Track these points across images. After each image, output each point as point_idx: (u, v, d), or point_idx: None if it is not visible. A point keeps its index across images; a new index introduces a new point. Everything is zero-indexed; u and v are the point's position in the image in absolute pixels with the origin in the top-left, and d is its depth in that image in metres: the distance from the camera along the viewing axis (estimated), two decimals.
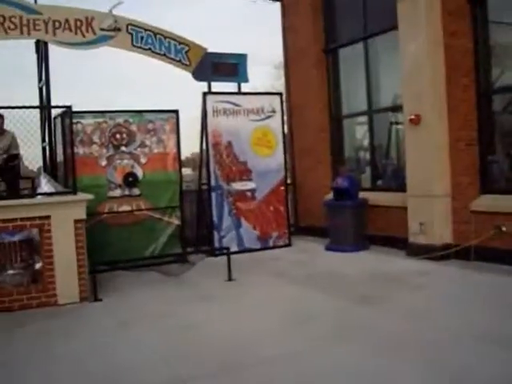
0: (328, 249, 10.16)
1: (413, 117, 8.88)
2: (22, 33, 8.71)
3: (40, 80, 9.45)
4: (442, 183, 8.76)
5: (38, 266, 7.31)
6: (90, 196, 7.64)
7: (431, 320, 5.74)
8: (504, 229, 7.87)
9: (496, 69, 8.56)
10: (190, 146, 16.12)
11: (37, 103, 9.31)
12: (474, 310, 6.01)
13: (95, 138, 9.37)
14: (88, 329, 6.10)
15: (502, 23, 8.55)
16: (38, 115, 8.99)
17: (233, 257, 8.48)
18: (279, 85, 23.51)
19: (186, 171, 17.75)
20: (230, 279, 8.11)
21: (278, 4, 12.72)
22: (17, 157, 8.34)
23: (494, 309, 5.99)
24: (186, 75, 10.27)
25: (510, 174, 8.46)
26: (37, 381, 4.66)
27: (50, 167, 9.22)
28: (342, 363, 4.65)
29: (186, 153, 21.83)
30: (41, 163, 9.40)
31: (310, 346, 5.13)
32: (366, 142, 11.38)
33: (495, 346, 4.81)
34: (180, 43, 10.01)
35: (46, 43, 9.06)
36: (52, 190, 7.77)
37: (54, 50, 9.16)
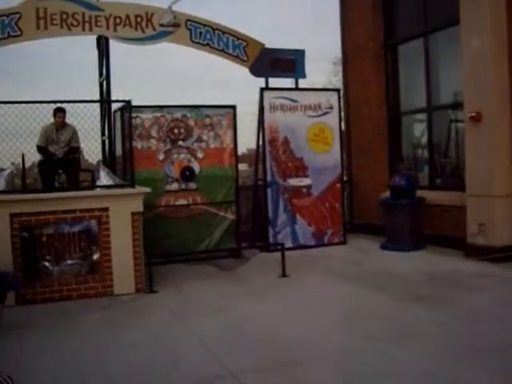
0: (383, 247, 10.03)
1: (474, 114, 8.66)
2: (84, 29, 8.94)
3: (101, 75, 9.66)
4: (502, 183, 8.53)
5: (95, 256, 7.49)
6: (147, 189, 7.76)
7: (490, 324, 5.59)
8: None
9: None
10: (247, 141, 16.20)
11: (97, 98, 9.52)
12: None
13: (153, 133, 9.49)
14: (143, 320, 6.20)
15: None
16: (98, 109, 9.19)
17: (287, 253, 8.47)
18: (336, 81, 23.40)
19: (243, 167, 17.85)
20: (284, 275, 8.10)
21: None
22: (77, 150, 8.55)
23: None
24: (244, 71, 10.31)
25: None
26: (99, 366, 4.76)
27: (109, 160, 9.41)
28: (398, 363, 4.59)
29: (242, 148, 21.99)
30: (100, 157, 9.62)
31: (365, 346, 5.08)
32: (424, 140, 11.17)
33: None
34: (238, 39, 10.06)
35: (107, 39, 9.28)
36: (111, 182, 7.94)
37: (115, 46, 9.36)
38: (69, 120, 8.39)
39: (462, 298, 6.57)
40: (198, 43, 9.74)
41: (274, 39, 10.42)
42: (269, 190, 10.42)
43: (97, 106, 8.92)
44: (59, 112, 8.24)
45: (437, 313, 6.00)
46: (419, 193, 10.14)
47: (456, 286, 7.12)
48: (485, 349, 4.82)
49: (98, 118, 9.26)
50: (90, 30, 8.97)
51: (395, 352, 4.86)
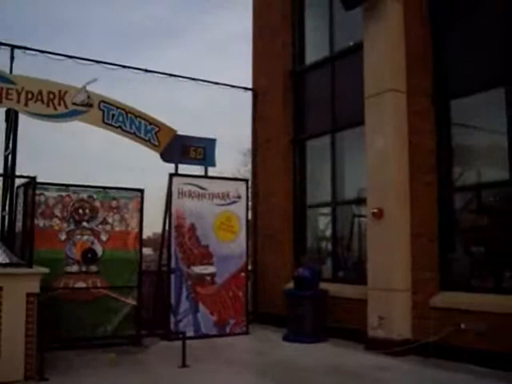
0: (286, 339, 9.96)
1: (376, 210, 9.00)
2: None
3: (7, 148, 9.39)
4: (402, 277, 8.79)
5: None
6: (45, 270, 7.43)
7: None
8: (463, 326, 7.85)
9: (457, 168, 8.80)
10: (153, 225, 16.00)
11: (1, 171, 9.21)
12: None
13: (57, 212, 9.20)
14: None
15: (464, 125, 8.86)
16: (1, 184, 8.88)
17: (188, 342, 8.23)
18: (245, 171, 23.84)
19: (147, 251, 17.50)
20: (183, 365, 7.84)
21: (250, 93, 13.01)
22: None
23: None
24: (154, 155, 10.33)
25: (469, 272, 8.52)
26: None
27: (8, 237, 9.00)
28: None
29: (147, 232, 21.64)
30: None
31: None
32: (328, 233, 11.44)
33: None
34: (150, 123, 10.13)
35: (16, 113, 9.09)
36: (6, 260, 7.54)
37: (26, 119, 9.18)
38: None
39: None
40: (110, 125, 9.72)
41: (185, 126, 10.49)
42: (172, 277, 10.23)
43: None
44: None
45: None
46: (323, 285, 10.26)
47: (357, 379, 7.13)
48: None
49: (0, 192, 8.93)
50: (0, 102, 8.77)
51: None
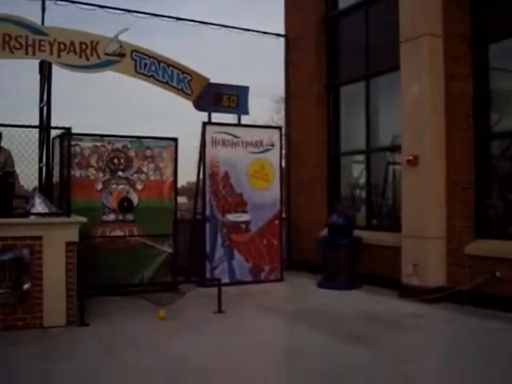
0: (320, 286, 10.07)
1: (411, 158, 8.90)
2: (27, 53, 8.75)
3: (41, 100, 9.47)
4: (437, 225, 8.74)
5: (26, 286, 7.20)
6: (83, 219, 7.58)
7: (421, 364, 5.66)
8: (498, 274, 7.83)
9: (495, 114, 8.61)
10: (187, 175, 16.10)
11: (37, 123, 9.31)
12: (463, 355, 5.95)
13: (92, 162, 9.33)
14: (73, 353, 5.99)
15: (502, 69, 8.63)
16: (37, 135, 8.98)
17: (224, 289, 8.37)
18: (278, 119, 23.69)
19: (182, 200, 17.71)
20: (219, 311, 8.00)
21: (283, 39, 12.83)
22: (12, 174, 8.30)
23: (483, 354, 5.94)
24: (188, 104, 10.31)
25: (506, 219, 8.44)
26: None
27: (46, 188, 9.17)
28: None
29: (182, 181, 21.85)
30: (36, 184, 9.37)
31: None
32: (362, 181, 11.39)
33: None
34: (183, 72, 10.07)
35: (49, 64, 9.13)
36: (46, 210, 7.71)
37: (58, 72, 9.21)
38: (6, 144, 8.18)
39: (394, 338, 6.64)
40: (143, 74, 9.70)
41: (218, 75, 10.42)
42: (207, 225, 10.36)
43: (36, 132, 8.70)
44: None
45: (368, 352, 6.03)
46: (356, 232, 10.29)
47: (390, 326, 7.20)
48: None
49: (37, 144, 9.04)
50: (33, 54, 8.79)
51: None
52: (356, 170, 11.99)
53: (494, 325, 7.17)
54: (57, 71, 9.25)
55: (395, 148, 10.00)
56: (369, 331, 6.93)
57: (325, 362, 5.71)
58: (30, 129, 7.92)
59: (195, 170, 10.69)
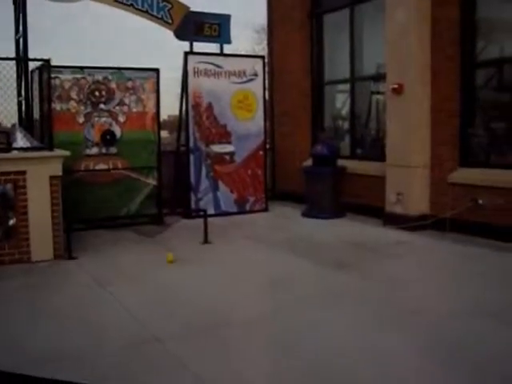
0: (304, 215, 10.17)
1: (395, 86, 8.83)
2: None
3: (17, 32, 9.19)
4: (421, 154, 8.77)
5: (11, 222, 7.20)
6: (66, 152, 7.51)
7: (406, 287, 5.81)
8: (480, 202, 7.93)
9: (481, 42, 8.51)
10: (168, 108, 15.91)
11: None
12: (447, 278, 6.11)
13: (73, 94, 9.15)
14: (62, 286, 6.05)
15: None
16: (15, 68, 8.74)
17: (209, 220, 8.41)
18: (260, 49, 23.32)
19: (163, 134, 17.57)
20: (205, 242, 8.08)
21: None
22: None
23: (466, 277, 6.11)
24: (168, 35, 10.08)
25: (489, 148, 8.49)
26: (18, 333, 4.61)
27: (26, 122, 9.01)
28: (314, 327, 4.68)
29: (163, 115, 21.60)
30: (16, 119, 9.19)
31: (284, 310, 5.17)
32: (346, 110, 11.33)
33: (475, 314, 4.88)
34: (163, 0, 9.80)
35: None
36: (28, 145, 7.62)
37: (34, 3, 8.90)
38: None
39: (379, 264, 6.78)
40: (122, 3, 9.40)
41: (198, 3, 10.13)
42: (191, 156, 10.32)
43: (13, 65, 8.45)
44: None
45: (355, 278, 6.17)
46: (341, 162, 10.31)
47: (375, 253, 7.34)
48: (401, 311, 5.00)
49: (14, 77, 8.82)
50: None
51: (314, 315, 4.96)
52: (340, 100, 11.90)
53: (477, 250, 7.33)
54: (34, 1, 8.94)
55: (380, 77, 9.90)
56: (355, 258, 7.06)
57: (314, 287, 5.85)
58: (7, 61, 7.70)
59: (178, 104, 10.56)
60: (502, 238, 7.55)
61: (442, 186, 8.55)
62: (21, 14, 9.05)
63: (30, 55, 8.87)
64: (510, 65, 8.28)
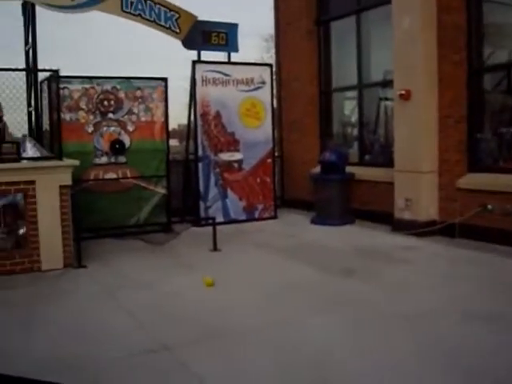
0: (313, 222, 10.17)
1: (403, 92, 8.84)
2: None
3: (26, 43, 9.27)
4: (429, 159, 8.77)
5: (22, 231, 7.24)
6: (75, 162, 7.55)
7: (414, 293, 5.79)
8: (489, 207, 7.91)
9: (488, 47, 8.51)
10: (178, 117, 15.98)
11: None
12: (455, 284, 6.08)
13: (82, 104, 9.23)
14: (72, 295, 6.08)
15: (495, 2, 8.48)
16: (24, 79, 8.83)
17: (218, 227, 8.44)
18: (268, 57, 23.40)
19: (173, 142, 17.63)
20: (215, 249, 8.10)
21: None
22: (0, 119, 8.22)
23: (474, 283, 6.07)
24: (176, 44, 10.15)
25: (497, 153, 8.47)
26: (24, 342, 4.64)
27: (36, 133, 9.08)
28: (321, 334, 4.68)
29: (173, 124, 21.69)
30: (26, 129, 9.27)
31: (291, 317, 5.17)
32: (354, 117, 11.34)
33: (480, 320, 4.87)
34: (170, 10, 9.86)
35: (33, 5, 8.87)
36: (37, 154, 7.68)
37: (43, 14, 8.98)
38: None
39: (388, 270, 6.77)
40: (130, 13, 9.46)
41: (206, 13, 10.20)
42: (200, 165, 10.35)
43: (23, 75, 8.54)
44: None
45: (363, 285, 6.16)
46: (349, 169, 10.32)
47: (384, 259, 7.32)
48: (405, 316, 4.99)
49: (24, 88, 8.90)
50: None
51: (321, 322, 4.96)
52: (348, 106, 11.93)
53: (486, 256, 7.30)
54: (42, 14, 9.01)
55: (387, 83, 9.91)
56: (363, 264, 7.05)
57: (320, 293, 5.83)
58: (17, 72, 7.79)
59: (186, 113, 10.61)
60: (510, 244, 7.52)
61: (451, 192, 8.54)
62: (30, 26, 9.12)
63: (40, 65, 8.95)
64: None
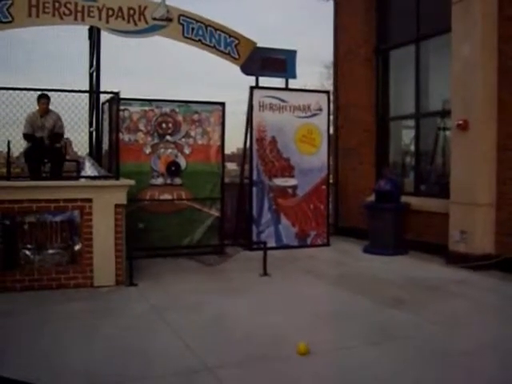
0: (366, 251, 10.07)
1: (461, 122, 8.72)
2: (76, 19, 8.89)
3: (91, 66, 9.63)
4: (486, 192, 8.58)
5: (77, 247, 7.46)
6: (131, 182, 7.73)
7: (464, 329, 5.64)
8: None
9: None
10: (237, 141, 16.19)
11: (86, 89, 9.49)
12: (507, 321, 5.89)
13: (141, 126, 9.48)
14: (121, 312, 6.19)
15: None
16: (87, 100, 9.16)
17: (269, 252, 8.47)
18: (329, 84, 23.44)
19: (232, 166, 17.81)
20: (264, 274, 8.11)
21: (332, 3, 12.63)
22: (61, 136, 8.53)
23: None
24: (235, 69, 10.31)
25: None
26: (71, 357, 4.75)
27: (96, 152, 9.38)
28: (368, 365, 4.61)
29: (232, 148, 21.93)
30: (87, 149, 9.58)
31: (337, 346, 5.11)
32: (411, 146, 11.22)
33: None
34: (230, 36, 10.05)
35: (98, 30, 9.24)
36: (95, 173, 7.91)
37: (107, 38, 9.32)
38: (58, 110, 8.39)
39: (441, 303, 6.61)
40: (190, 39, 9.72)
41: (266, 39, 10.38)
42: (254, 189, 10.43)
43: (85, 97, 8.87)
44: (43, 98, 8.29)
45: (415, 316, 6.04)
46: (404, 198, 10.19)
47: (436, 292, 7.16)
48: (457, 352, 4.86)
49: (87, 108, 9.23)
50: (83, 19, 8.92)
51: (369, 353, 4.89)
52: (405, 135, 11.82)
53: None
54: (107, 37, 9.36)
55: (445, 113, 9.79)
56: (413, 296, 6.91)
57: (366, 324, 5.75)
58: (81, 94, 8.09)
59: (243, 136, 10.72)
60: None
61: (508, 225, 8.31)
62: (95, 50, 9.48)
63: (103, 87, 9.29)
64: None
